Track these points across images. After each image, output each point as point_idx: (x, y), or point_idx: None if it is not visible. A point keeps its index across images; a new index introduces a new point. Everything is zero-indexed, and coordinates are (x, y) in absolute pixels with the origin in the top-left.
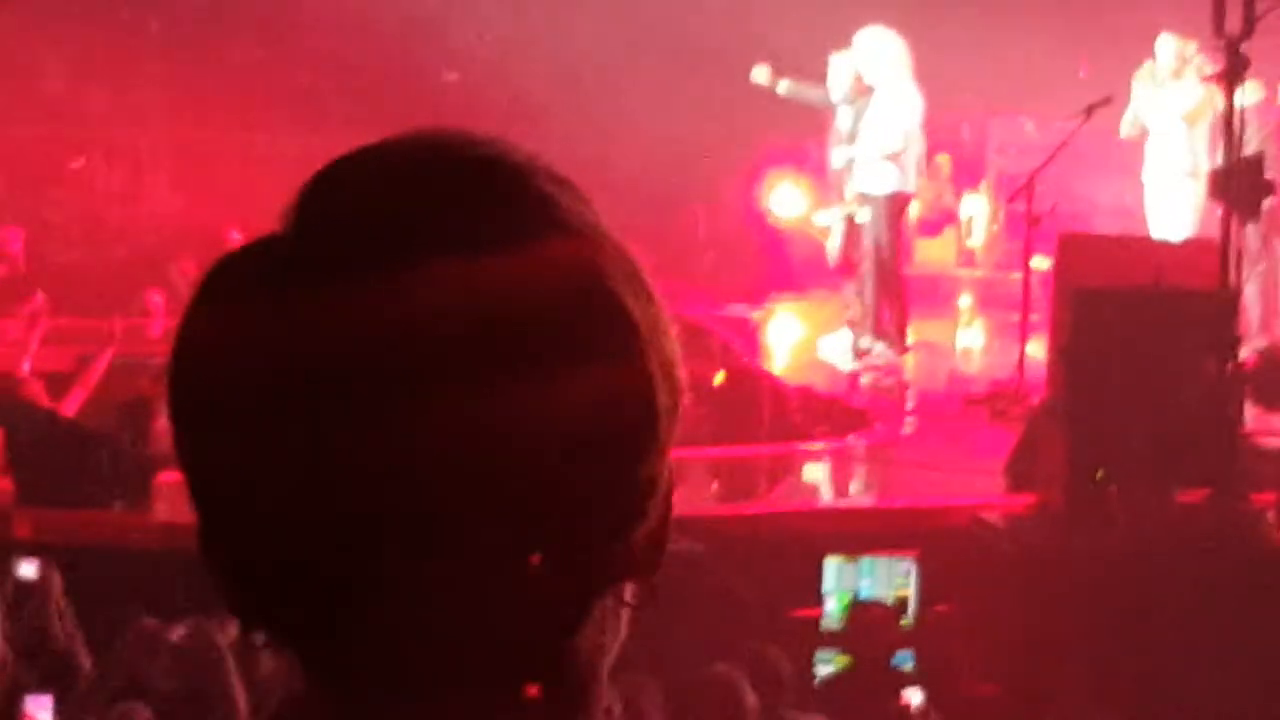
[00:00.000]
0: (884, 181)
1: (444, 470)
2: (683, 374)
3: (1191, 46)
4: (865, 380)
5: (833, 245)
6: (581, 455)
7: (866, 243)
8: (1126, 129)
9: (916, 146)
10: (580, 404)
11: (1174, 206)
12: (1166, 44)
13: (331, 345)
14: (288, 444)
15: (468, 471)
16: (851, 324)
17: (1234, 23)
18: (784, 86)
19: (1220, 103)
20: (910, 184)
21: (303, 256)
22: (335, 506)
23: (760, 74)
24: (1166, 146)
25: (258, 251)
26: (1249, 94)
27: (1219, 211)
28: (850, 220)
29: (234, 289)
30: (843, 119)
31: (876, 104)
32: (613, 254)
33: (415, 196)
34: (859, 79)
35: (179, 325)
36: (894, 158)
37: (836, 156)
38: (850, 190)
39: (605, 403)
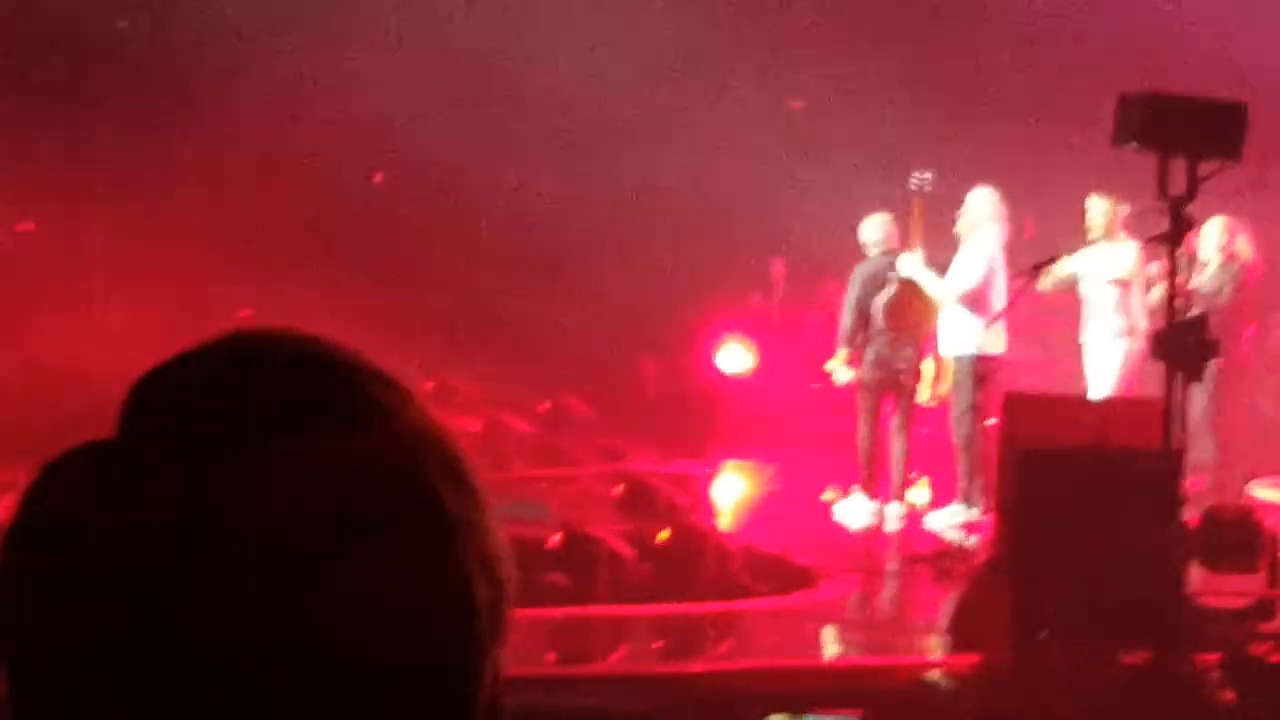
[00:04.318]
0: (968, 341)
1: (249, 660)
2: (509, 570)
3: (1124, 208)
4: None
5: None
6: (394, 649)
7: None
8: (1046, 284)
9: (1000, 303)
10: (392, 597)
11: (1108, 366)
12: (1095, 205)
13: (144, 535)
14: (105, 630)
15: (275, 662)
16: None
17: (1178, 184)
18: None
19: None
20: (999, 345)
21: (126, 451)
22: (138, 682)
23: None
24: (1100, 307)
25: (86, 450)
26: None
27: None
28: None
29: (61, 486)
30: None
31: (960, 253)
32: (434, 450)
33: (236, 393)
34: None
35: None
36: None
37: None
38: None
39: (418, 595)
